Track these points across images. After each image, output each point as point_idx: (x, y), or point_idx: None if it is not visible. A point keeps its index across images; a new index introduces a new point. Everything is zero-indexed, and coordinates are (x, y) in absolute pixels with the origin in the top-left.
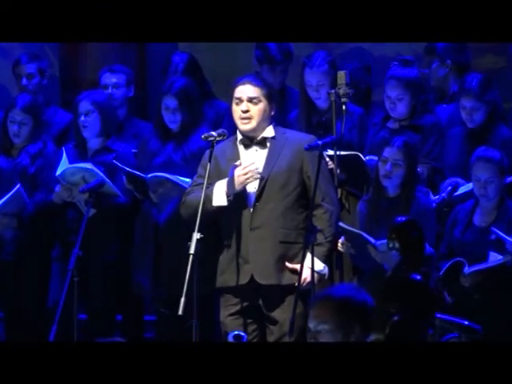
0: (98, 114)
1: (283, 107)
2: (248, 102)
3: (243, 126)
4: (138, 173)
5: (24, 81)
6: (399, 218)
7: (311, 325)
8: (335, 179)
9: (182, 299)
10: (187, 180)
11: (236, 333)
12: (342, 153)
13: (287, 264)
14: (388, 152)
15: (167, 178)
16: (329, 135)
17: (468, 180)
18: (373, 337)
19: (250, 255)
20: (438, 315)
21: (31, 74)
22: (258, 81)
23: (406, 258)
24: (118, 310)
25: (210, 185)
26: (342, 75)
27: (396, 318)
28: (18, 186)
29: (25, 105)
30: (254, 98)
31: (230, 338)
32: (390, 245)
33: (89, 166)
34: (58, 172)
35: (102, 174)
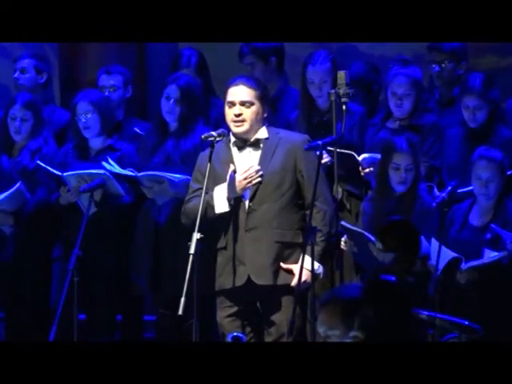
0: (97, 114)
1: (275, 107)
2: (241, 106)
3: (236, 128)
4: (127, 173)
5: (16, 74)
6: (391, 218)
7: (321, 330)
8: (335, 176)
9: (182, 299)
10: (178, 176)
11: (235, 334)
12: (338, 150)
13: (282, 264)
14: (398, 159)
15: (161, 176)
16: (329, 135)
17: (466, 183)
18: (352, 336)
19: (246, 257)
20: (438, 315)
21: (24, 69)
22: (251, 82)
23: (397, 258)
24: (118, 310)
25: (206, 188)
26: (342, 75)
27: (372, 320)
28: (18, 184)
29: (25, 102)
30: (247, 101)
31: (229, 340)
32: (378, 245)
33: (101, 171)
34: (67, 173)
35: (114, 181)
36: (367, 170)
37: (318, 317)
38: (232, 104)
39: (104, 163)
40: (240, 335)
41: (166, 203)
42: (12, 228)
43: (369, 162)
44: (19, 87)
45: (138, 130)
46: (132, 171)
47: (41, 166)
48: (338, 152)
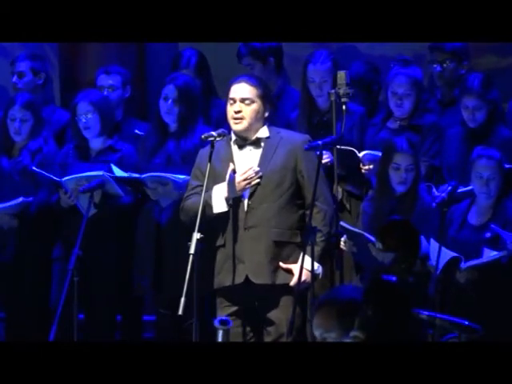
0: (97, 114)
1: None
2: (241, 103)
3: (235, 126)
4: (131, 176)
5: (14, 78)
6: (391, 218)
7: (317, 333)
8: (335, 176)
9: (182, 299)
10: (182, 177)
11: (221, 318)
12: (338, 147)
13: (281, 264)
14: (398, 159)
15: (165, 178)
16: (329, 135)
17: (466, 183)
18: (352, 336)
19: (245, 255)
20: (438, 315)
21: (22, 73)
22: (253, 80)
23: (397, 258)
24: (118, 310)
25: (206, 187)
26: (342, 75)
27: (371, 320)
28: (20, 199)
29: (24, 102)
30: (247, 98)
31: (216, 323)
32: (378, 245)
33: (99, 173)
34: (65, 178)
35: (113, 182)
36: (367, 168)
37: (314, 320)
38: (233, 101)
39: (104, 173)
40: (227, 319)
41: (168, 203)
42: (15, 230)
43: (369, 159)
44: (18, 90)
45: (138, 132)
46: (133, 173)
47: (37, 171)
48: (338, 149)
